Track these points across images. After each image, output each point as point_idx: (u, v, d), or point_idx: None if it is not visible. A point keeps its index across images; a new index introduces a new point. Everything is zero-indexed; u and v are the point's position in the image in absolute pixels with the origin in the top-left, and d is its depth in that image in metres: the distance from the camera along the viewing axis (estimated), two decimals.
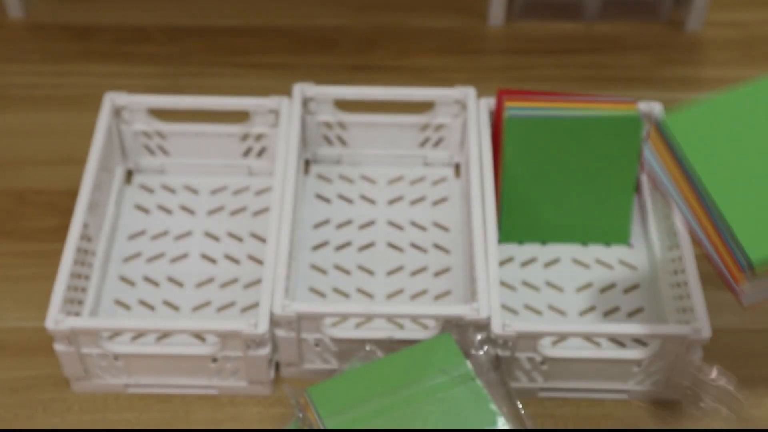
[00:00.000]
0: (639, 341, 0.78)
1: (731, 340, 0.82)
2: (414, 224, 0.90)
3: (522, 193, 0.85)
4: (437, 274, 0.86)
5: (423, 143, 0.93)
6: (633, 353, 0.75)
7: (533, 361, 0.76)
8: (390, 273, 0.86)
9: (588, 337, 0.79)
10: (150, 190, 0.92)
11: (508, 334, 0.73)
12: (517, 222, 0.86)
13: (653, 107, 0.87)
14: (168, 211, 0.90)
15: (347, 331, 0.77)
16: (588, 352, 0.76)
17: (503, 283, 0.84)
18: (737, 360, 0.81)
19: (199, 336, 0.80)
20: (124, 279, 0.85)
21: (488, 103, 0.88)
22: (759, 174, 0.63)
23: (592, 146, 0.83)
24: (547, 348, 0.75)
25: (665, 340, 0.74)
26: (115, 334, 0.79)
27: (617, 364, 0.76)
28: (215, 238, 0.88)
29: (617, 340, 0.80)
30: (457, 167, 0.94)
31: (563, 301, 0.84)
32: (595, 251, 0.87)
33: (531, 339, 0.74)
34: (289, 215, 0.80)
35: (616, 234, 0.87)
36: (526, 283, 0.85)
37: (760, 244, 0.62)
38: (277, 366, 0.79)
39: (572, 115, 0.82)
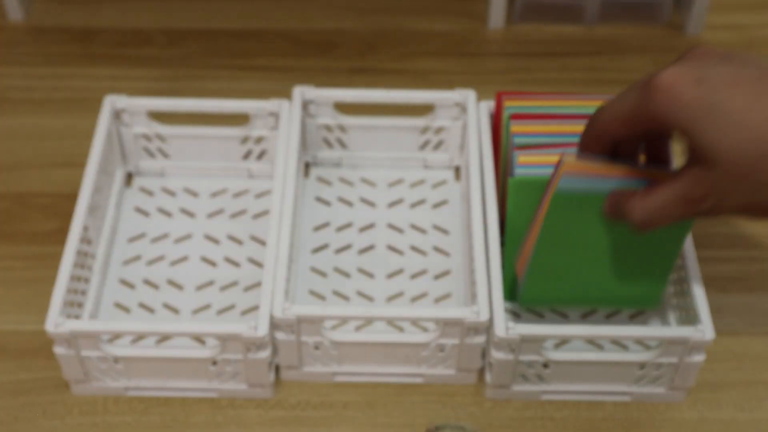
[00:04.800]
0: (641, 343, 0.78)
1: (731, 343, 0.82)
2: (414, 227, 0.90)
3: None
4: (437, 276, 0.86)
5: (423, 146, 0.93)
6: (636, 356, 0.75)
7: (536, 364, 0.75)
8: (390, 276, 0.86)
9: (591, 340, 0.79)
10: (150, 193, 0.92)
11: (512, 337, 0.73)
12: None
13: None
14: (168, 214, 0.90)
15: (347, 334, 0.77)
16: (592, 354, 0.76)
17: None
18: (737, 363, 0.81)
19: (199, 339, 0.80)
20: (124, 282, 0.85)
21: (488, 105, 0.88)
22: None
23: None
24: (550, 351, 0.75)
25: (669, 343, 0.73)
26: (115, 337, 0.79)
27: (620, 366, 0.76)
28: (215, 241, 0.88)
29: (619, 342, 0.80)
30: (457, 170, 0.94)
31: None
32: None
33: (535, 342, 0.74)
34: (289, 218, 0.80)
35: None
36: None
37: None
38: (277, 369, 0.79)
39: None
